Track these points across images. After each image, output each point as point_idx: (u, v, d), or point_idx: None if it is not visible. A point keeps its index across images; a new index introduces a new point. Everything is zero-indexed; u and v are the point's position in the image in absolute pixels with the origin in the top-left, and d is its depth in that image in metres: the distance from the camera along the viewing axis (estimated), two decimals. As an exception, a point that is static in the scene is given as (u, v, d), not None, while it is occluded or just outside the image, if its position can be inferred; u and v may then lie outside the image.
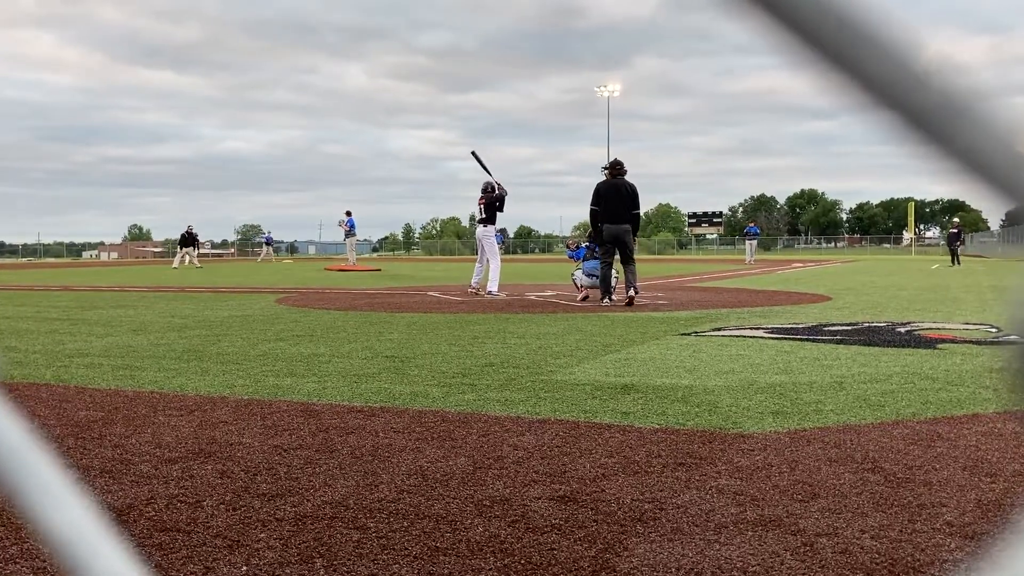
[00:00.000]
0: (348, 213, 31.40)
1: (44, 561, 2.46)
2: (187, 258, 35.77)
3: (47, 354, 6.99)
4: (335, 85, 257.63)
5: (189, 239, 36.24)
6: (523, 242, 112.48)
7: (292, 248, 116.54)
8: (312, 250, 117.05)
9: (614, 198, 11.69)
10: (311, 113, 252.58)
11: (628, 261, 11.89)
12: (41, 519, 0.21)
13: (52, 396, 5.11)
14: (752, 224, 42.34)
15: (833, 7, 0.15)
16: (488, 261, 14.10)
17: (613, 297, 11.74)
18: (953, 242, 33.18)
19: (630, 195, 11.77)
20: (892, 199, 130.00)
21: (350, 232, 31.15)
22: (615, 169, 11.94)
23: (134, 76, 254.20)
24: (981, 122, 0.15)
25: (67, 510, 0.21)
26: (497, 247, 14.53)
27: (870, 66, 0.16)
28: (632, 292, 11.63)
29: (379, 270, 28.87)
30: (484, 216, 14.28)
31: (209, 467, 3.49)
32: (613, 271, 12.16)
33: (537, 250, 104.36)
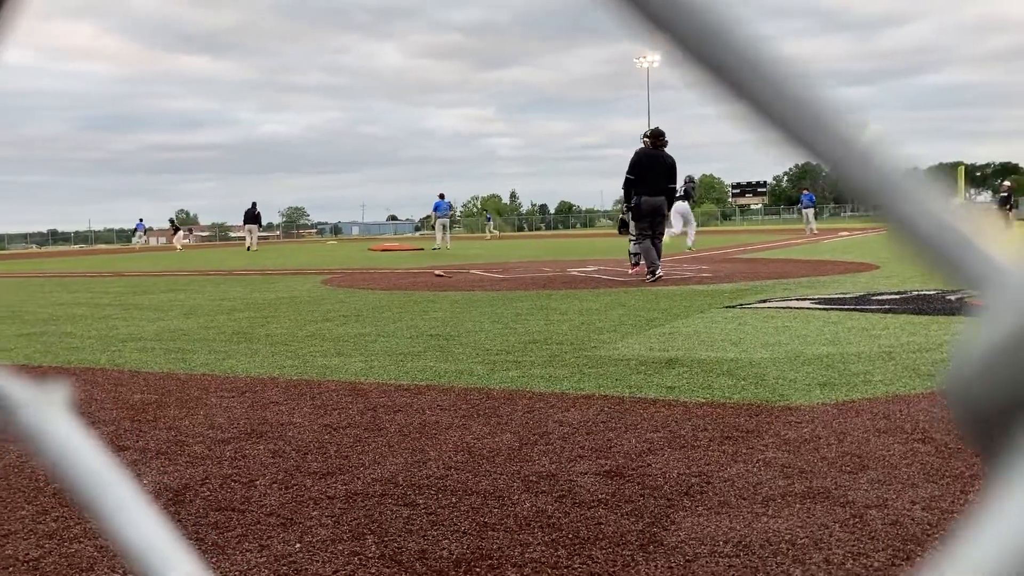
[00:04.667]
0: (441, 196, 30.32)
1: (106, 540, 2.53)
2: (254, 237, 33.59)
3: (102, 339, 7.16)
4: (369, 65, 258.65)
5: (253, 216, 33.97)
6: (564, 217, 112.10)
7: (336, 229, 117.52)
8: (355, 231, 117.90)
9: (654, 169, 11.10)
10: (347, 94, 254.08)
11: (658, 237, 11.32)
12: (118, 533, 0.23)
13: (107, 380, 5.24)
14: (805, 192, 39.62)
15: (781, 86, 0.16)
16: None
17: (660, 272, 11.14)
18: (1004, 206, 32.35)
19: (669, 167, 11.23)
20: (940, 164, 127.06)
21: (441, 215, 29.77)
22: (657, 140, 11.28)
23: (171, 63, 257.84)
24: (918, 200, 0.16)
25: (141, 524, 0.23)
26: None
27: (813, 140, 0.17)
28: (652, 272, 11.06)
29: (421, 249, 29.02)
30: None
31: (261, 447, 3.56)
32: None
33: (578, 225, 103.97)
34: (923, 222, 0.15)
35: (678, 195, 20.72)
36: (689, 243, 19.60)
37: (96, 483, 0.23)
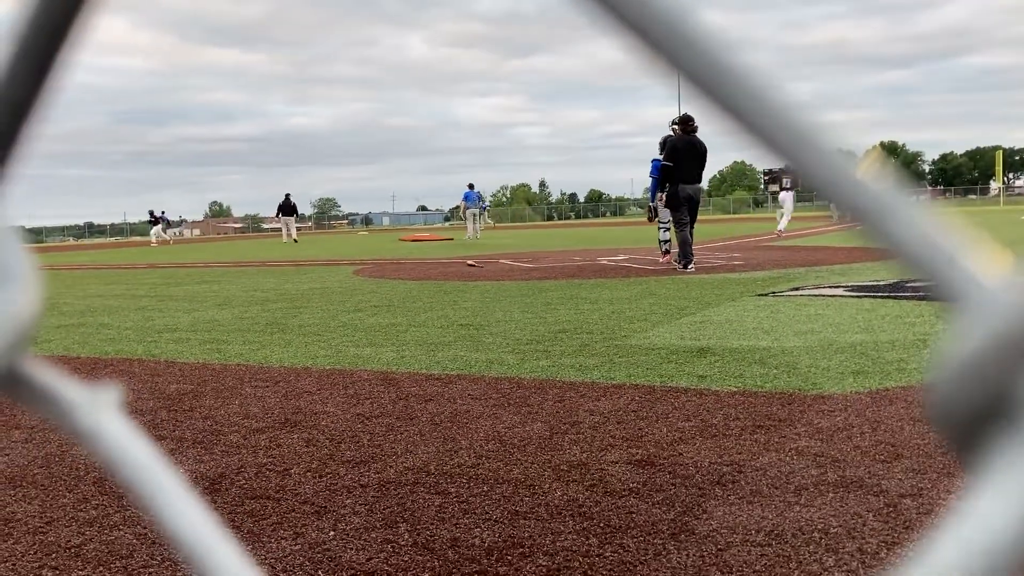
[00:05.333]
0: (471, 186, 29.91)
1: (145, 528, 2.59)
2: (292, 228, 32.49)
3: (138, 330, 7.27)
4: (396, 56, 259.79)
5: (289, 207, 32.37)
6: (594, 206, 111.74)
7: (367, 220, 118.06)
8: (386, 221, 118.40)
9: (691, 156, 10.96)
10: (375, 85, 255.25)
11: (692, 225, 11.21)
12: (168, 524, 0.24)
13: (144, 370, 5.33)
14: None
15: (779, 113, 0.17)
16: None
17: (692, 267, 11.04)
18: None
19: (703, 154, 11.08)
20: (978, 148, 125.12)
21: (471, 205, 29.50)
22: (688, 125, 11.09)
23: (202, 56, 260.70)
24: (903, 217, 0.17)
25: (188, 515, 0.24)
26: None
27: (810, 167, 0.17)
28: (687, 263, 11.05)
29: (451, 239, 29.09)
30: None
31: (295, 436, 3.61)
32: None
33: (608, 214, 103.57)
34: (908, 238, 0.16)
35: (785, 186, 22.90)
36: (782, 227, 21.24)
37: (148, 480, 0.25)
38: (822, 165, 0.17)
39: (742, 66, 0.17)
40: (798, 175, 0.18)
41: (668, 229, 12.16)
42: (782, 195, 22.53)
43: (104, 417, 0.25)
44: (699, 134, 11.22)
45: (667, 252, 12.31)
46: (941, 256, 0.16)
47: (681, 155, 11.00)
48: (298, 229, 35.32)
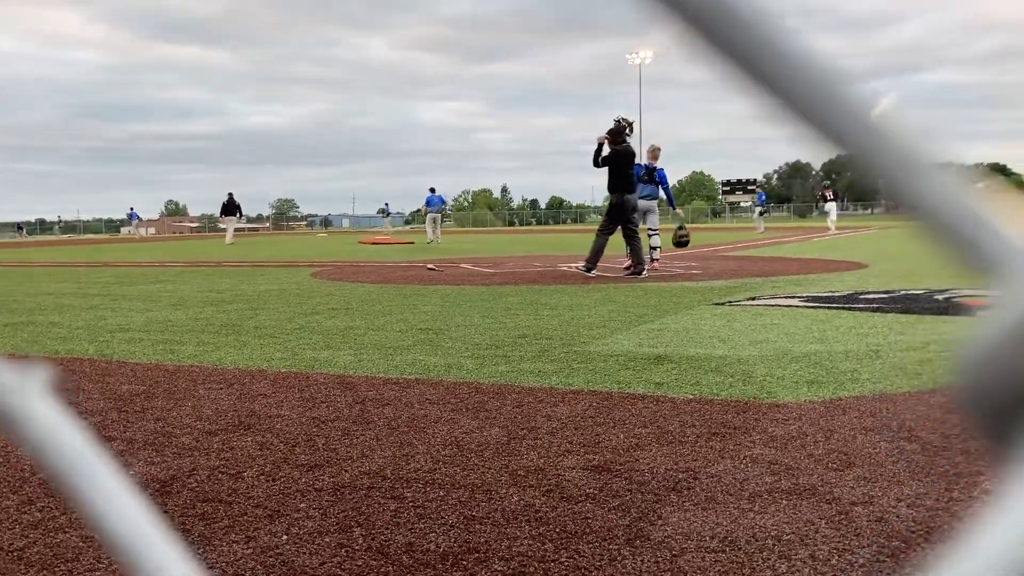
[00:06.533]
0: (432, 190, 29.78)
1: (89, 528, 2.53)
2: (231, 229, 31.67)
3: (89, 329, 7.13)
4: (359, 57, 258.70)
5: (232, 207, 31.09)
6: (555, 213, 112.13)
7: (326, 222, 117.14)
8: (346, 223, 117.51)
9: (629, 167, 11.41)
10: (337, 87, 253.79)
11: (638, 233, 11.61)
12: (100, 521, 0.23)
13: (95, 370, 5.22)
14: (759, 191, 42.63)
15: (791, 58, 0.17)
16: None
17: (646, 269, 11.47)
18: None
19: (633, 160, 11.54)
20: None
21: (432, 209, 29.14)
22: (620, 136, 11.40)
23: (159, 52, 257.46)
24: (938, 185, 0.16)
25: (124, 511, 0.23)
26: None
27: (822, 113, 0.17)
28: (647, 265, 11.47)
29: (412, 243, 28.97)
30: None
31: (249, 439, 3.56)
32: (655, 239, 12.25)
33: (569, 221, 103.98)
34: (943, 206, 0.15)
35: (830, 197, 30.09)
36: (832, 230, 29.52)
37: (79, 471, 0.23)
38: (859, 134, 0.16)
39: (777, 34, 0.17)
40: (831, 147, 0.17)
41: (658, 234, 12.59)
42: (828, 205, 30.11)
43: (31, 402, 0.24)
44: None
45: (653, 260, 12.40)
46: (978, 223, 0.15)
47: (627, 166, 11.38)
48: (250, 231, 34.30)
